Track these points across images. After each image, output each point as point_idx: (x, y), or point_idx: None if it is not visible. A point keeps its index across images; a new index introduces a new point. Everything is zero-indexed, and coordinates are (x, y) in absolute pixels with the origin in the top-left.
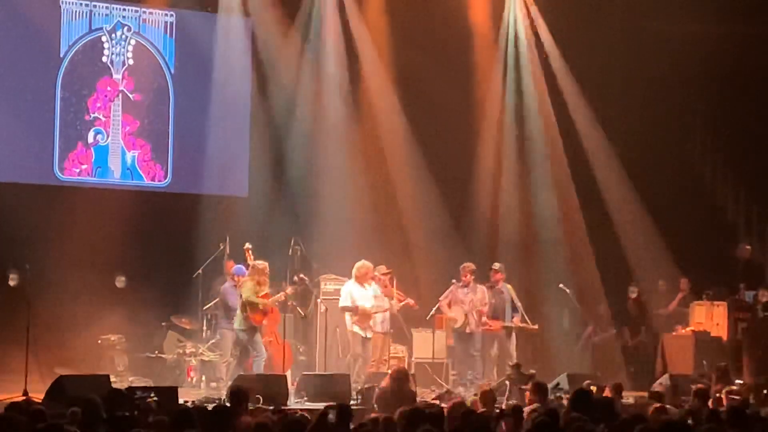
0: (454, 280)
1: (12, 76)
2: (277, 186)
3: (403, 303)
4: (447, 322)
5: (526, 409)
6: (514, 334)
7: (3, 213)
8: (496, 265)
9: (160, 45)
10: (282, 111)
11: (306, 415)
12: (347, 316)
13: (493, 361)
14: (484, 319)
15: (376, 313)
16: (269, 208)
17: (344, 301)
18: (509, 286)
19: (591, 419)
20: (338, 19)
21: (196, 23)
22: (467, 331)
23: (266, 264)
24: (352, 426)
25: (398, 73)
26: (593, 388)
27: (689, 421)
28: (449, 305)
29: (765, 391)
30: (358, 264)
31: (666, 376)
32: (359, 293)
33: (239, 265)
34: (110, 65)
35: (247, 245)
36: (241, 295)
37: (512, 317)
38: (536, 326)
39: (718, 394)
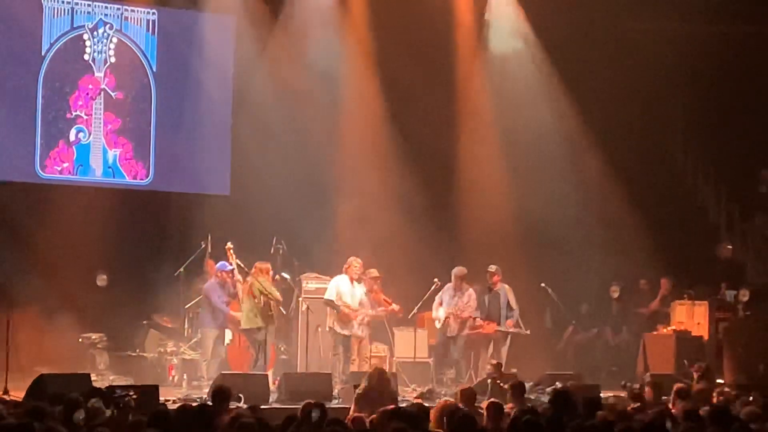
0: (436, 279)
1: None
2: (258, 185)
3: (389, 309)
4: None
5: (506, 407)
6: (509, 338)
7: None
8: (492, 268)
9: (142, 43)
10: (264, 109)
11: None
12: (329, 311)
13: (485, 363)
14: (478, 321)
15: (359, 314)
16: (251, 207)
17: (328, 295)
18: (507, 288)
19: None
20: (322, 17)
21: (179, 21)
22: (447, 334)
23: (269, 264)
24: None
25: (382, 72)
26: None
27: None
28: (440, 306)
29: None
30: (349, 259)
31: (647, 375)
32: (346, 289)
33: (223, 262)
34: (92, 63)
35: (229, 245)
36: (262, 292)
37: (507, 320)
38: (528, 331)
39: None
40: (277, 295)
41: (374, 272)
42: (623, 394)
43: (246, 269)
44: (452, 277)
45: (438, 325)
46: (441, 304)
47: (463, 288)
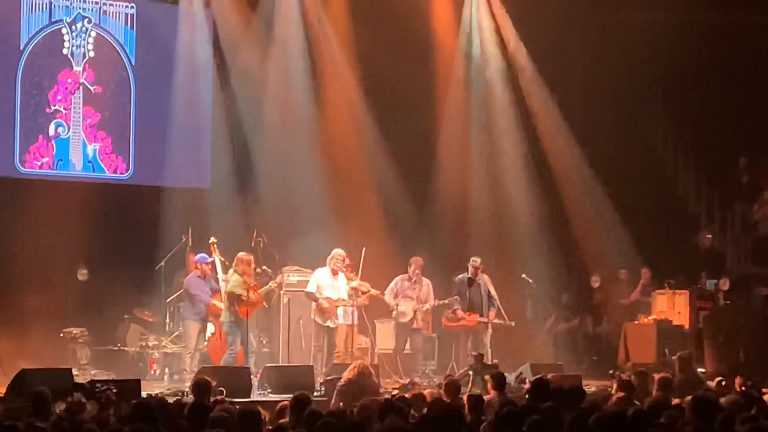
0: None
1: None
2: (239, 178)
3: (367, 294)
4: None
5: (487, 398)
6: (490, 327)
7: None
8: (477, 260)
9: (120, 37)
10: (244, 102)
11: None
12: (313, 303)
13: (467, 354)
14: (459, 313)
15: (338, 305)
16: (232, 200)
17: (309, 287)
18: (486, 277)
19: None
20: (300, 9)
21: (157, 14)
22: (414, 326)
23: (252, 257)
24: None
25: (361, 64)
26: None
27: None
28: (395, 297)
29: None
30: (333, 251)
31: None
32: (327, 281)
33: (202, 254)
34: (71, 57)
35: (212, 239)
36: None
37: (488, 310)
38: (512, 323)
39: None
40: (236, 290)
41: (346, 260)
42: (605, 383)
43: (228, 264)
44: (410, 266)
45: (404, 319)
46: (397, 294)
47: (419, 278)
